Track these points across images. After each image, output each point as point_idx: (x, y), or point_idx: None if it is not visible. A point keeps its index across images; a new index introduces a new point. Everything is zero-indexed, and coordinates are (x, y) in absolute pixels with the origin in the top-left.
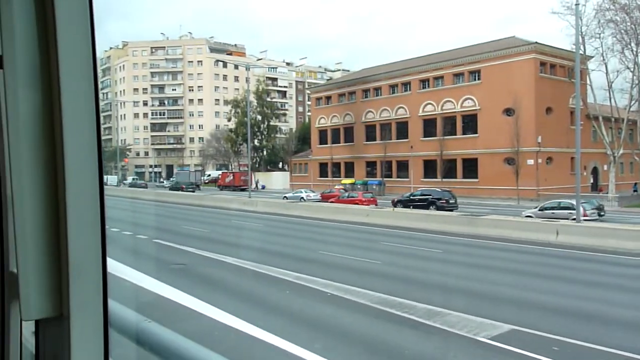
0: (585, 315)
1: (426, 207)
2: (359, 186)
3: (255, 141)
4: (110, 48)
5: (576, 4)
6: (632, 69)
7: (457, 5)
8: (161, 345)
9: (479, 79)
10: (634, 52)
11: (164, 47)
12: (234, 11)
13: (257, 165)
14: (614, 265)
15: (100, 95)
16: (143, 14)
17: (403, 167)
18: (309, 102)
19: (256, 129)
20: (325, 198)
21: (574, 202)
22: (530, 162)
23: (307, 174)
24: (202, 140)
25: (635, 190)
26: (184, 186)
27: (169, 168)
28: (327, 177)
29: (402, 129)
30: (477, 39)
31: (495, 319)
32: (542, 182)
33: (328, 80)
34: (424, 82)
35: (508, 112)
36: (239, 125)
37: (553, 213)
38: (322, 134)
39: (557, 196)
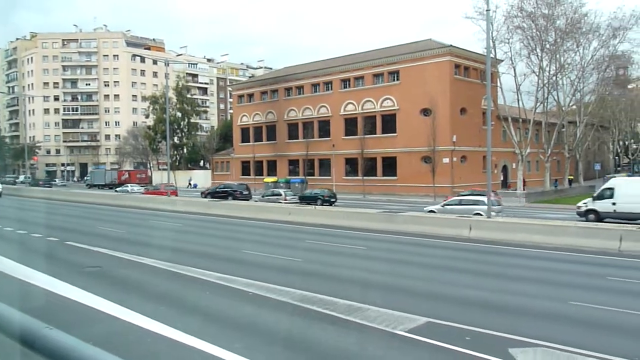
0: (497, 306)
1: (225, 198)
2: (281, 185)
3: (175, 139)
4: (17, 39)
5: (487, 10)
6: (537, 73)
7: (378, 8)
8: (64, 353)
9: (397, 79)
10: (539, 57)
11: (77, 39)
12: (152, 4)
13: (177, 164)
14: (523, 257)
15: (5, 89)
16: (54, 5)
17: (325, 165)
18: (231, 100)
19: (176, 126)
20: (147, 193)
21: (281, 190)
22: (446, 160)
23: (229, 173)
24: (119, 138)
25: (555, 186)
26: (41, 182)
27: (83, 166)
28: (249, 175)
29: (324, 127)
30: (396, 40)
31: (413, 313)
32: (457, 179)
33: (250, 77)
34: (345, 82)
35: (425, 112)
36: (158, 122)
37: (277, 198)
38: (245, 131)
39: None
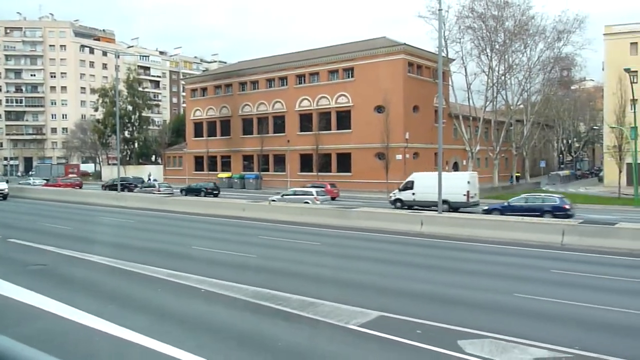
0: (447, 300)
1: (122, 190)
2: (235, 180)
3: (126, 133)
4: None
5: (439, 10)
6: (487, 73)
7: (334, 3)
8: None
9: (352, 76)
10: (489, 57)
11: (21, 28)
12: None
13: (128, 158)
14: (472, 252)
15: None
16: None
17: (280, 161)
18: (184, 94)
19: (126, 120)
20: (47, 185)
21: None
22: (399, 157)
23: (181, 168)
24: (66, 131)
25: (511, 182)
26: None
27: (28, 161)
28: (202, 170)
29: (279, 123)
30: (352, 37)
31: (365, 307)
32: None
33: (204, 71)
34: (301, 78)
35: (379, 109)
36: (108, 115)
37: (152, 189)
38: (198, 126)
39: None
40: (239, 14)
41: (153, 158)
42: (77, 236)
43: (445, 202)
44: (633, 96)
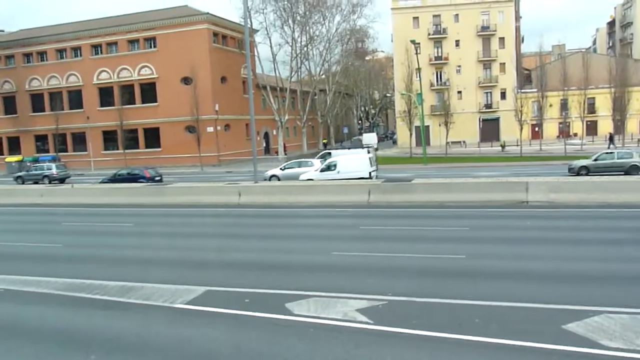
0: (271, 266)
1: None
2: (28, 164)
3: None
4: None
5: None
6: (290, 44)
7: None
8: None
9: (155, 46)
10: (292, 29)
11: None
12: None
13: None
14: (286, 217)
15: None
16: None
17: (80, 139)
18: None
19: None
20: None
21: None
22: (210, 129)
23: None
24: None
25: (342, 146)
26: None
27: None
28: None
29: (76, 98)
30: (150, 5)
31: (191, 284)
32: (222, 148)
33: None
34: (97, 48)
35: (186, 80)
36: None
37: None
38: None
39: (235, 161)
40: None
41: None
42: None
43: None
44: (418, 65)
